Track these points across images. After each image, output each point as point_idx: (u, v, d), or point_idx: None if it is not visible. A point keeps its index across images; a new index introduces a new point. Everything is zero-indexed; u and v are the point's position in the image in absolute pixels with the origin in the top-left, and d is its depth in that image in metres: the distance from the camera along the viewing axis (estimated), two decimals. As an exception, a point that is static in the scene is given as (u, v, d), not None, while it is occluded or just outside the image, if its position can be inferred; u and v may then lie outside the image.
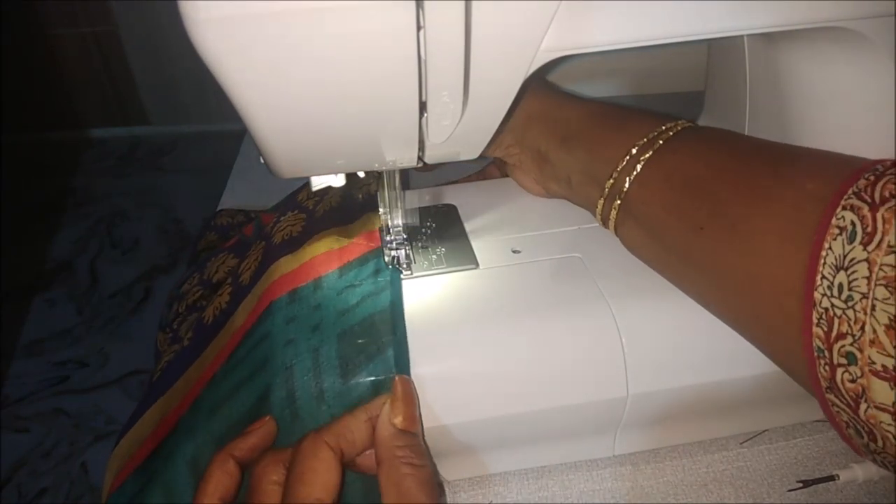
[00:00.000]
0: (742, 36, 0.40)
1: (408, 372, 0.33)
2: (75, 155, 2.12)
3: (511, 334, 0.34)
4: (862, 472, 0.36)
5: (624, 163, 0.35)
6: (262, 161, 0.32)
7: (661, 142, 0.35)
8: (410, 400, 0.32)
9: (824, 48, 0.34)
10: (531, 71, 0.28)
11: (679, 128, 0.35)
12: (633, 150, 0.35)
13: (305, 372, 0.33)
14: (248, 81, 0.25)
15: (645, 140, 0.35)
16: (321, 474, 0.28)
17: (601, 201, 0.37)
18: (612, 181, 0.36)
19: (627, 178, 0.35)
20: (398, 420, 0.31)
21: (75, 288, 1.62)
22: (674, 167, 0.34)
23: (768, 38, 0.37)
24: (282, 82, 0.25)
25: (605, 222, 0.38)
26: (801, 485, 0.37)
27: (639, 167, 0.35)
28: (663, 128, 0.35)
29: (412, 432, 0.31)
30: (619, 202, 0.36)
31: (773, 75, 0.38)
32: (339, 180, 0.35)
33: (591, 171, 0.37)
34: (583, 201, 0.40)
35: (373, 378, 0.33)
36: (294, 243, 0.40)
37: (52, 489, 1.19)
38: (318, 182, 0.35)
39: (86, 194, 1.96)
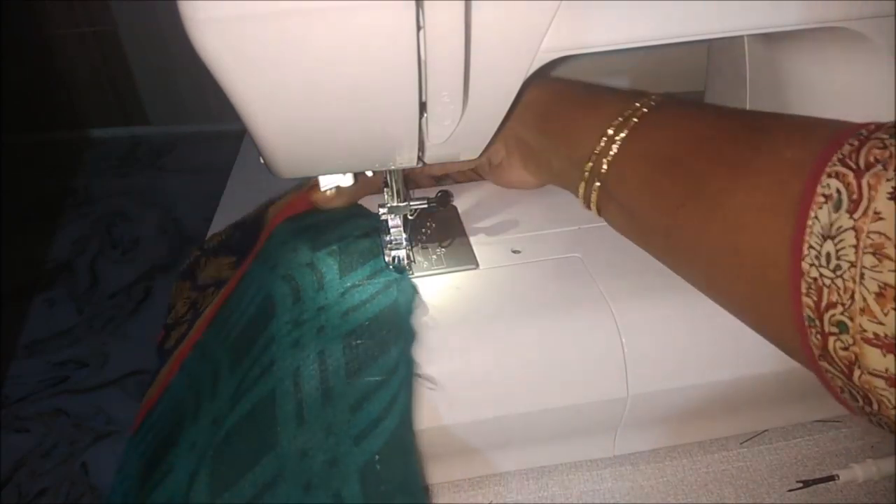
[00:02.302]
0: (742, 36, 0.40)
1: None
2: (75, 155, 2.12)
3: (511, 334, 0.34)
4: (862, 472, 0.36)
5: (601, 144, 0.35)
6: (262, 161, 0.32)
7: (635, 120, 0.35)
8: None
9: (824, 48, 0.34)
10: (531, 71, 0.28)
11: (652, 102, 0.35)
12: (609, 131, 0.35)
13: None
14: (248, 81, 0.25)
15: (620, 119, 0.35)
16: None
17: (582, 184, 0.37)
18: (590, 164, 0.36)
19: (605, 160, 0.35)
20: None
21: (75, 288, 1.62)
22: (649, 145, 0.34)
23: (768, 38, 0.37)
24: (282, 82, 0.25)
25: (588, 205, 0.38)
26: (801, 485, 0.37)
27: (615, 148, 0.35)
28: (637, 105, 0.35)
29: None
30: (598, 184, 0.36)
31: (773, 75, 0.38)
32: (347, 179, 0.35)
33: (569, 155, 0.38)
34: (566, 185, 0.40)
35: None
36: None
37: (51, 489, 1.19)
38: (326, 182, 0.35)
39: (86, 194, 1.96)
